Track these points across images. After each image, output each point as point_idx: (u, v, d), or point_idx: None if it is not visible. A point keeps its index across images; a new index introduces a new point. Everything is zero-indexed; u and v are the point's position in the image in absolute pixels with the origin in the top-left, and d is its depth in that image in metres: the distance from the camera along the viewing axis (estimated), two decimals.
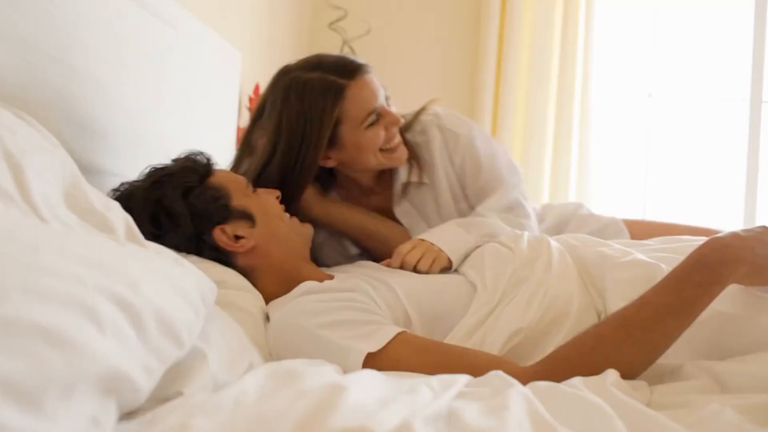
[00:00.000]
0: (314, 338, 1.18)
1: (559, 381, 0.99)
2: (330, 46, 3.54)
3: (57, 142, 1.05)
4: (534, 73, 3.45)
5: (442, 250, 1.44)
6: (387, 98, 1.57)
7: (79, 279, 0.70)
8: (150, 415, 0.73)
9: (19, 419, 0.55)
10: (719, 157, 3.57)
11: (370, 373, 0.93)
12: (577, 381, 1.01)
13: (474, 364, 1.11)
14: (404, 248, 1.47)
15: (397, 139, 1.58)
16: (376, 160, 1.57)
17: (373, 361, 1.11)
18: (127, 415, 0.76)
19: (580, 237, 1.55)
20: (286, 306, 1.27)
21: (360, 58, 1.54)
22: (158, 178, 1.39)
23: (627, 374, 1.05)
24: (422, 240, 1.48)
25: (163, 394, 0.85)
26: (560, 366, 1.08)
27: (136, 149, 1.70)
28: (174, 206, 1.33)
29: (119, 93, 1.63)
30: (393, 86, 3.68)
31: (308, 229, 1.51)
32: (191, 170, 1.40)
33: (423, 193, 1.69)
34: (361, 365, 1.11)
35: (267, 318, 1.32)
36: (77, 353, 0.63)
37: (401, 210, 1.70)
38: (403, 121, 1.59)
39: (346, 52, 3.53)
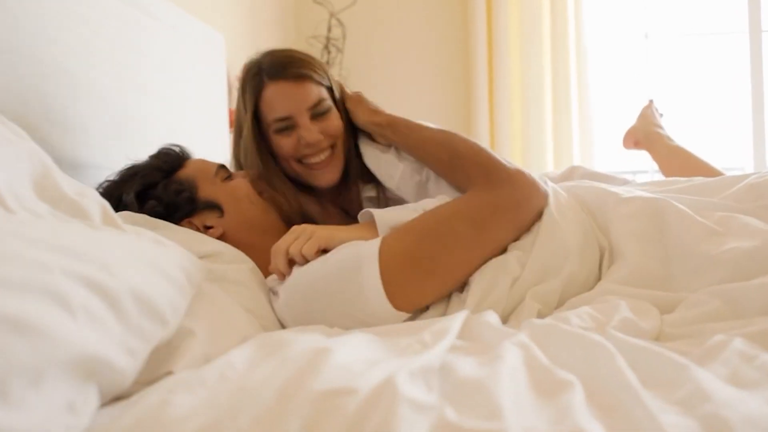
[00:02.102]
0: (321, 276, 1.18)
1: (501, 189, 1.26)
2: (317, 20, 3.51)
3: (24, 134, 1.02)
4: (525, 22, 3.41)
5: (317, 231, 1.25)
6: (324, 112, 1.51)
7: (43, 265, 0.68)
8: (135, 397, 0.71)
9: None
10: (722, 94, 3.51)
11: (361, 335, 0.90)
12: (584, 312, 0.99)
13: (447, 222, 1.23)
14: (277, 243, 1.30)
15: (317, 159, 1.52)
16: (291, 170, 1.55)
17: (384, 261, 1.14)
18: (113, 400, 0.74)
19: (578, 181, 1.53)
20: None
21: (306, 68, 1.50)
22: (124, 176, 1.42)
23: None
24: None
25: (154, 375, 0.84)
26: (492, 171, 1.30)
27: (119, 141, 1.68)
28: (127, 201, 1.36)
29: (96, 85, 1.61)
30: (382, 53, 3.67)
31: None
32: (156, 168, 1.43)
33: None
34: (377, 253, 1.14)
35: (272, 293, 1.31)
36: (43, 339, 0.61)
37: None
38: (315, 140, 1.50)
39: (333, 25, 3.49)
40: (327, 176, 1.54)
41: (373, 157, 1.55)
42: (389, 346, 0.86)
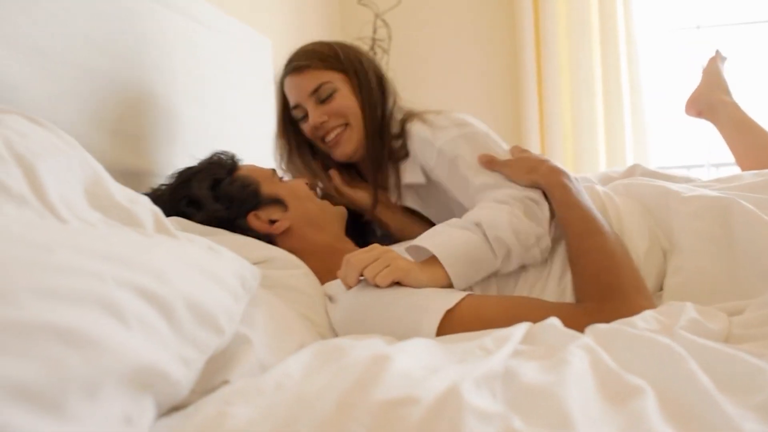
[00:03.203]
0: (386, 305, 1.17)
1: (611, 310, 1.06)
2: (362, 22, 3.51)
3: (75, 142, 1.02)
4: (573, 16, 3.36)
5: (397, 261, 1.22)
6: (327, 96, 1.62)
7: (96, 275, 0.67)
8: (192, 408, 0.70)
9: (40, 423, 0.52)
10: None
11: (420, 341, 0.88)
12: (649, 315, 0.96)
13: (533, 312, 1.11)
14: (355, 253, 1.27)
15: (330, 137, 1.64)
16: (323, 149, 1.71)
17: (448, 320, 1.12)
18: (171, 411, 0.73)
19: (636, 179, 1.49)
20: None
21: (306, 59, 1.63)
22: (186, 176, 1.45)
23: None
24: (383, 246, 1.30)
25: (210, 384, 0.83)
26: (605, 293, 1.13)
27: (170, 148, 1.70)
28: (200, 195, 1.39)
29: (148, 93, 1.62)
30: (428, 53, 3.65)
31: (341, 210, 1.57)
32: (218, 165, 1.48)
33: (427, 189, 1.66)
34: (437, 323, 1.11)
35: (329, 299, 1.31)
36: (98, 351, 0.60)
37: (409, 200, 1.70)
38: (319, 122, 1.62)
39: (379, 26, 3.48)
40: (340, 149, 1.65)
41: (419, 139, 1.58)
42: (448, 351, 0.84)
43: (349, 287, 1.22)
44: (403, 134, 1.61)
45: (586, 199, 1.29)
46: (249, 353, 0.89)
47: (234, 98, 2.06)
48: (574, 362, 0.75)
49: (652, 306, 1.09)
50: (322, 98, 1.61)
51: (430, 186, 1.62)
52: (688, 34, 3.50)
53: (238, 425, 0.61)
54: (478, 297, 1.19)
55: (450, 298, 1.15)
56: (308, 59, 1.62)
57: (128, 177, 1.46)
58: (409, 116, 1.64)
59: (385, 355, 0.71)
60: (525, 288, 1.28)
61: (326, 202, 1.55)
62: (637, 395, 0.67)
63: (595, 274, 1.16)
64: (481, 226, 1.27)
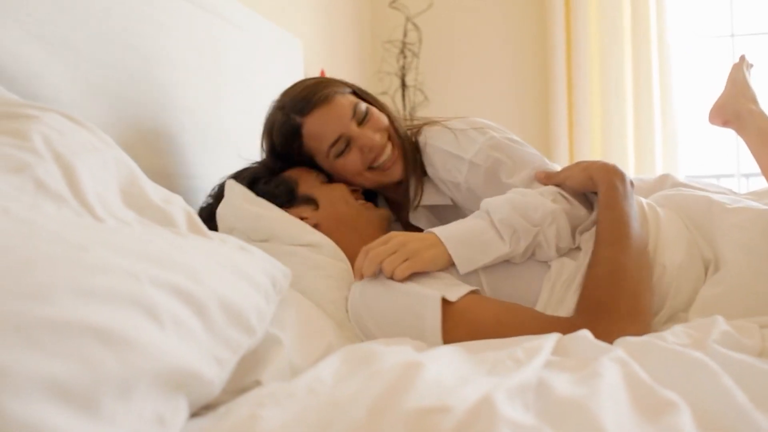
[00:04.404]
0: (394, 290, 1.19)
1: (597, 325, 1.05)
2: (392, 25, 3.51)
3: (111, 141, 1.03)
4: (605, 21, 3.33)
5: (420, 254, 1.23)
6: (365, 113, 1.50)
7: (132, 274, 0.67)
8: (223, 409, 0.70)
9: (74, 422, 0.53)
10: None
11: (452, 349, 0.88)
12: (679, 330, 0.95)
13: (522, 321, 1.15)
14: (373, 244, 1.28)
15: (385, 156, 1.52)
16: (367, 181, 1.55)
17: (450, 313, 1.14)
18: (201, 410, 0.74)
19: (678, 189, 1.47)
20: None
21: (326, 87, 1.50)
22: (234, 174, 1.54)
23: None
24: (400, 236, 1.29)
25: (240, 384, 0.84)
26: (596, 311, 1.12)
27: (202, 148, 1.70)
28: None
29: (180, 93, 1.63)
30: (458, 57, 3.64)
31: (381, 213, 1.55)
32: (265, 166, 1.54)
33: (444, 208, 1.61)
34: (439, 312, 1.14)
35: None
36: (133, 351, 0.60)
37: (415, 216, 1.63)
38: (379, 143, 1.50)
39: (409, 30, 3.48)
40: (398, 167, 1.54)
41: (439, 152, 1.52)
42: (479, 360, 0.83)
43: (362, 276, 1.25)
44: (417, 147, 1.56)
45: (631, 206, 1.26)
46: (280, 354, 0.90)
47: (265, 99, 2.06)
48: (607, 375, 0.74)
49: (645, 333, 1.06)
50: (362, 118, 1.49)
51: (447, 205, 1.60)
52: (721, 41, 3.46)
53: (270, 428, 0.61)
54: (477, 297, 1.20)
55: (452, 292, 1.17)
56: (325, 88, 1.50)
57: (160, 177, 1.47)
58: (414, 127, 1.60)
59: (417, 362, 0.71)
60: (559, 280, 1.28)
61: (365, 206, 1.52)
62: (672, 410, 0.66)
63: (593, 287, 1.15)
64: (488, 213, 1.29)
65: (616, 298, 1.12)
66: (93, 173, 0.90)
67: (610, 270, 1.15)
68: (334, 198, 1.48)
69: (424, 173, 1.57)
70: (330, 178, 1.53)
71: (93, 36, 1.33)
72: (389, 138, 1.53)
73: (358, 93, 1.56)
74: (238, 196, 1.44)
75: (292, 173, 1.51)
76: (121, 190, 0.95)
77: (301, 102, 1.48)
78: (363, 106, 1.51)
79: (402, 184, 1.59)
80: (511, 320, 1.14)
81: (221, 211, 1.45)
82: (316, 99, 1.47)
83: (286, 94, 1.54)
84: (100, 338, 0.58)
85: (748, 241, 1.19)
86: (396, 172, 1.54)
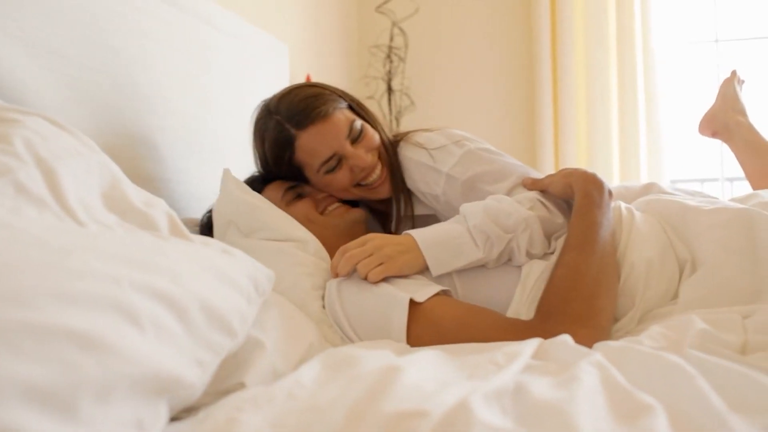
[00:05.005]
0: (366, 290, 1.23)
1: (549, 327, 1.08)
2: (379, 30, 3.51)
3: (95, 146, 1.03)
4: (590, 27, 3.35)
5: (394, 260, 1.25)
6: (360, 132, 1.50)
7: (112, 278, 0.67)
8: (203, 413, 0.70)
9: (52, 426, 0.53)
10: None
11: (432, 353, 0.88)
12: (656, 332, 0.95)
13: (483, 322, 1.17)
14: (351, 245, 1.31)
15: (375, 176, 1.53)
16: (353, 195, 1.56)
17: (415, 311, 1.17)
18: (182, 413, 0.74)
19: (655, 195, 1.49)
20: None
21: (324, 103, 1.47)
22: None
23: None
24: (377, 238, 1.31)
25: (223, 386, 0.84)
26: (549, 313, 1.14)
27: (188, 153, 1.70)
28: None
29: (165, 98, 1.63)
30: (444, 62, 3.65)
31: (353, 217, 1.55)
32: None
33: (426, 219, 1.62)
34: (405, 314, 1.17)
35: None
36: (112, 355, 0.60)
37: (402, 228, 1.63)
38: (371, 164, 1.51)
39: (396, 34, 3.48)
40: (386, 187, 1.55)
41: (417, 165, 1.53)
42: (459, 365, 0.84)
43: (337, 275, 1.28)
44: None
45: (603, 215, 1.28)
46: (262, 356, 0.90)
47: (251, 104, 2.06)
48: (585, 379, 0.75)
49: (600, 338, 1.08)
50: (356, 137, 1.49)
51: (431, 215, 1.61)
52: (706, 47, 3.49)
53: None
54: (444, 298, 1.23)
55: (421, 292, 1.20)
56: (324, 103, 1.47)
57: (144, 181, 1.47)
58: (395, 138, 1.60)
59: (396, 367, 0.72)
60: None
61: (333, 214, 1.53)
62: (649, 414, 0.66)
63: (549, 290, 1.18)
64: (466, 218, 1.32)
65: (568, 301, 1.14)
66: (75, 177, 0.90)
67: (567, 273, 1.18)
68: (297, 218, 1.45)
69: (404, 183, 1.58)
70: (298, 195, 1.53)
71: (78, 41, 1.33)
72: (379, 157, 1.54)
73: (354, 107, 1.55)
74: (235, 186, 1.46)
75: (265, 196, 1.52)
76: (103, 194, 0.95)
77: (298, 114, 1.46)
78: (358, 124, 1.50)
79: (388, 199, 1.60)
80: (473, 321, 1.17)
81: (218, 205, 1.47)
82: (315, 114, 1.45)
83: (282, 100, 1.51)
84: (79, 343, 0.58)
85: (727, 240, 1.20)
86: (383, 191, 1.55)
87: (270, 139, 1.50)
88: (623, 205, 1.39)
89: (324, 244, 1.40)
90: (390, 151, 1.56)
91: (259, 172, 1.61)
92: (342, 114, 1.49)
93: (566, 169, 1.44)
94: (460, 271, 1.30)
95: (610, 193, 1.34)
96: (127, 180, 1.05)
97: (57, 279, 0.62)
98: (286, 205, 1.49)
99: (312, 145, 1.46)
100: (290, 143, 1.47)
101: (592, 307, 1.14)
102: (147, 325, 0.67)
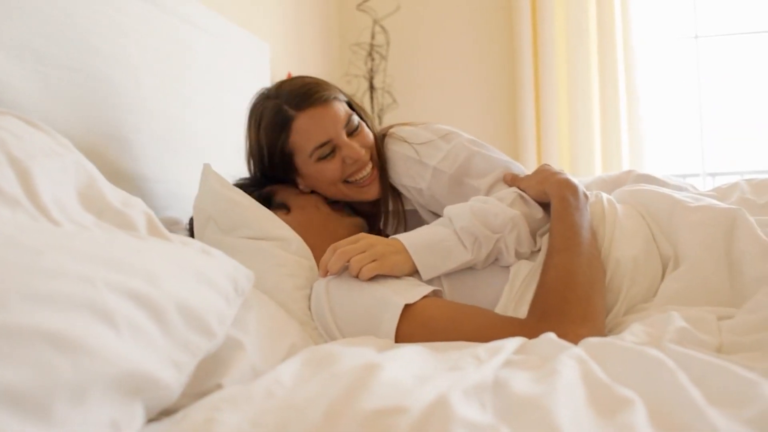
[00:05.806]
0: (359, 290, 1.22)
1: (549, 327, 1.05)
2: (360, 27, 3.51)
3: (70, 145, 1.02)
4: (571, 23, 3.36)
5: (386, 258, 1.25)
6: (357, 126, 1.51)
7: (86, 278, 0.67)
8: (181, 413, 0.70)
9: (25, 428, 0.52)
10: None
11: (414, 348, 0.88)
12: (637, 328, 0.95)
13: (476, 321, 1.17)
14: (342, 242, 1.30)
15: (365, 173, 1.53)
16: (340, 193, 1.55)
17: (405, 312, 1.16)
18: (160, 415, 0.73)
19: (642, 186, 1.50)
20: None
21: (326, 90, 1.49)
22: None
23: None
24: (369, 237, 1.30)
25: (202, 387, 0.83)
26: (548, 314, 1.14)
27: (164, 151, 1.69)
28: None
29: (143, 97, 1.62)
30: (426, 59, 3.65)
31: (354, 220, 1.58)
32: (254, 179, 1.60)
33: (414, 216, 1.64)
34: (397, 318, 1.16)
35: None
36: (87, 356, 0.59)
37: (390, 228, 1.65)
38: (364, 156, 1.52)
39: (377, 32, 3.48)
40: (374, 188, 1.56)
41: (402, 158, 1.54)
42: (440, 360, 0.84)
43: (327, 273, 1.26)
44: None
45: (582, 217, 1.29)
46: (242, 357, 0.89)
47: (231, 102, 2.05)
48: (565, 373, 0.74)
49: (597, 335, 1.07)
50: (353, 130, 1.51)
51: (412, 210, 1.62)
52: (686, 43, 3.51)
53: None
54: (435, 299, 1.22)
55: (412, 294, 1.19)
56: (326, 90, 1.49)
57: (122, 180, 1.46)
58: (379, 132, 1.61)
59: (374, 364, 0.71)
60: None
61: (337, 212, 1.57)
62: (627, 408, 0.66)
63: (545, 292, 1.17)
64: (451, 220, 1.31)
65: (567, 302, 1.14)
66: (50, 177, 0.89)
67: (560, 275, 1.18)
68: (306, 203, 1.52)
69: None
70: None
71: (54, 39, 1.32)
72: (371, 158, 1.54)
73: (353, 106, 1.57)
74: (216, 181, 1.45)
75: (272, 188, 1.55)
76: (79, 193, 0.94)
77: (299, 96, 1.47)
78: (356, 118, 1.52)
79: (375, 201, 1.60)
80: (464, 320, 1.17)
81: (198, 201, 1.46)
82: (316, 97, 1.46)
83: (283, 85, 1.53)
84: (53, 344, 0.58)
85: (709, 239, 1.21)
86: (371, 192, 1.55)
87: (266, 120, 1.50)
88: (605, 197, 1.40)
89: (317, 236, 1.42)
90: (381, 155, 1.57)
91: (246, 177, 1.60)
92: (341, 105, 1.51)
93: (543, 169, 1.44)
94: (448, 274, 1.30)
95: (585, 195, 1.35)
96: (104, 179, 1.04)
97: (30, 279, 0.62)
98: (296, 194, 1.55)
99: (309, 127, 1.46)
100: (287, 124, 1.47)
101: (590, 307, 1.14)
102: (122, 325, 0.66)
